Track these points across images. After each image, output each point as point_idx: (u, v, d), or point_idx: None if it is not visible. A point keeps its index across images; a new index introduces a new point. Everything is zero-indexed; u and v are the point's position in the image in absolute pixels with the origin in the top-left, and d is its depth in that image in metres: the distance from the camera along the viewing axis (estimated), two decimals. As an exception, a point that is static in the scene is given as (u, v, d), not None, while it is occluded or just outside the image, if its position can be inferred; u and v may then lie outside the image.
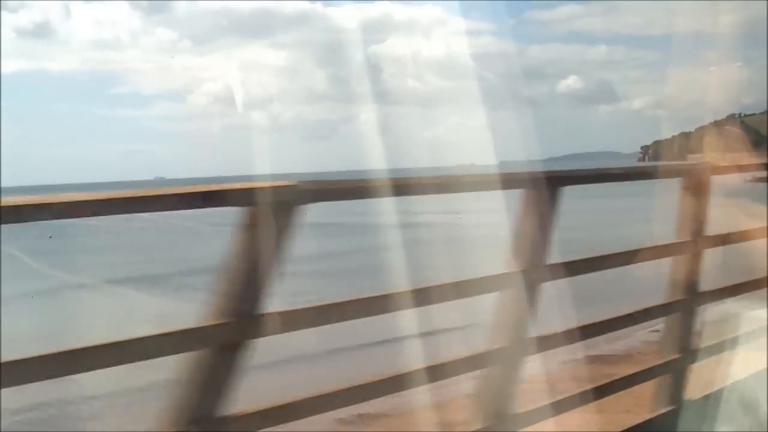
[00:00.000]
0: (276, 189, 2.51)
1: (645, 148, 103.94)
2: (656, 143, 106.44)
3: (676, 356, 4.23)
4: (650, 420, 4.14)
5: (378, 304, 2.95)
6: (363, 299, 2.93)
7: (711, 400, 4.19)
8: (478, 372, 3.37)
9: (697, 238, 4.28)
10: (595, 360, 7.89)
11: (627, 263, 4.13)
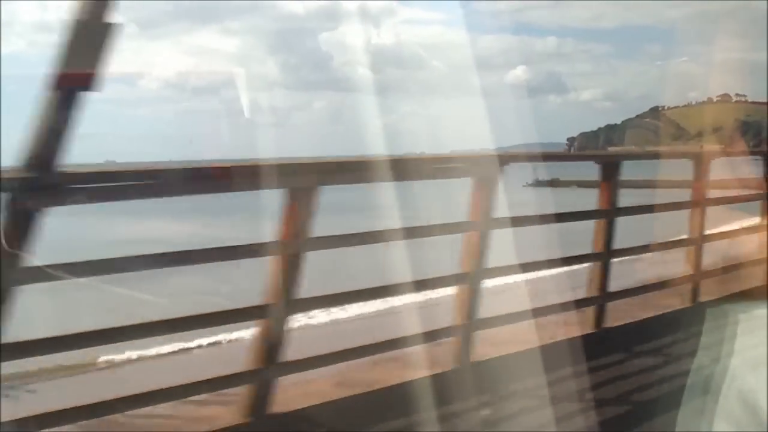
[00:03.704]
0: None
1: (571, 140, 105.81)
2: (582, 135, 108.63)
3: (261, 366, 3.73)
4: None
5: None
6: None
7: None
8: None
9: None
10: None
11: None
